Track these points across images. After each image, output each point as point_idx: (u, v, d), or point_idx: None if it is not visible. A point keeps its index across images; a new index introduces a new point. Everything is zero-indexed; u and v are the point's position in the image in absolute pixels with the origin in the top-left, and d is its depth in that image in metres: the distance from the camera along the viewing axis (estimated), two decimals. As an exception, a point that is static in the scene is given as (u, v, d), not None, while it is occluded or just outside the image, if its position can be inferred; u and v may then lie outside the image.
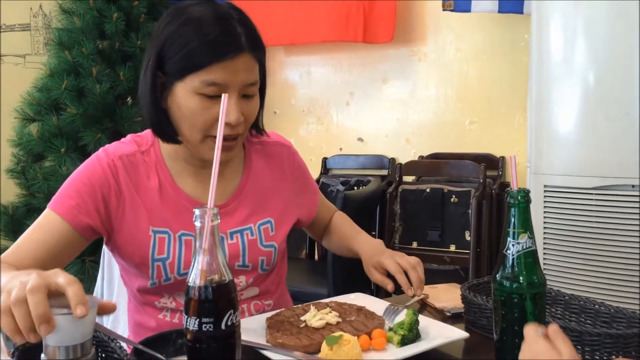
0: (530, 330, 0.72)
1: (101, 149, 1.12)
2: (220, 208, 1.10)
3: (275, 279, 1.22)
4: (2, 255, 1.01)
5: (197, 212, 0.72)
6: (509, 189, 0.80)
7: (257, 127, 1.15)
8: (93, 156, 1.11)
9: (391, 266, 1.16)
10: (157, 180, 1.10)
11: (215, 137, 0.98)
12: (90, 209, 1.05)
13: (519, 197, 0.78)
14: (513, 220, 0.79)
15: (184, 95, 1.01)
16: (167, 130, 1.06)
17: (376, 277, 1.19)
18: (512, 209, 0.79)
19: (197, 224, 0.72)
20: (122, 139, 1.16)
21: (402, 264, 1.16)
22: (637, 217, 1.79)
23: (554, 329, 0.71)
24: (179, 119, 1.04)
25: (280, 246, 1.18)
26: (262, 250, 1.15)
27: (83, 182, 1.07)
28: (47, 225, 1.04)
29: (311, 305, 1.08)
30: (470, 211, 2.56)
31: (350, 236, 1.31)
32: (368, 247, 1.24)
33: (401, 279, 1.14)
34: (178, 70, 1.00)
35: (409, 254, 2.86)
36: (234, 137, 1.04)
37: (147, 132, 1.16)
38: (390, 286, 1.15)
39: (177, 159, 1.12)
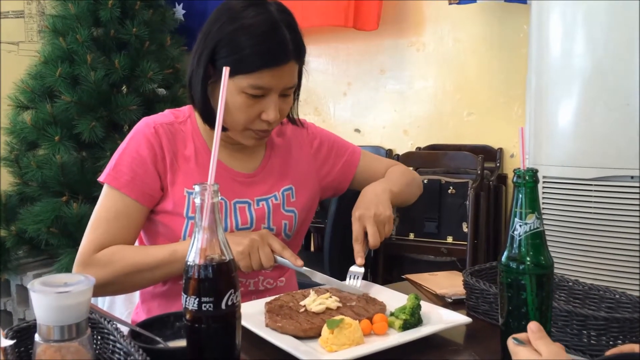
0: (510, 344, 0.72)
1: (142, 121, 1.21)
2: (250, 177, 1.23)
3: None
4: (94, 244, 1.12)
5: (196, 188, 0.71)
6: (516, 168, 0.78)
7: (291, 117, 1.26)
8: (135, 129, 1.19)
9: (354, 231, 1.16)
10: (193, 147, 1.20)
11: (254, 130, 1.14)
12: (145, 180, 1.15)
13: (527, 176, 0.77)
14: (520, 200, 0.77)
15: (230, 92, 1.10)
16: (213, 118, 1.15)
17: (353, 234, 1.17)
18: (520, 189, 0.77)
19: (197, 201, 0.71)
20: (161, 113, 1.25)
21: (367, 228, 1.14)
22: (636, 208, 1.78)
23: (532, 329, 0.71)
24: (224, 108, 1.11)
25: (301, 214, 1.26)
26: (284, 215, 1.24)
27: (132, 157, 1.15)
28: (120, 207, 1.13)
29: (311, 290, 1.06)
30: (467, 203, 2.54)
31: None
32: (363, 193, 1.23)
33: (356, 247, 1.14)
34: (231, 70, 1.06)
35: (406, 246, 2.84)
36: (269, 130, 1.15)
37: (185, 108, 1.26)
38: (359, 260, 1.14)
39: (212, 132, 1.19)
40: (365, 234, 1.15)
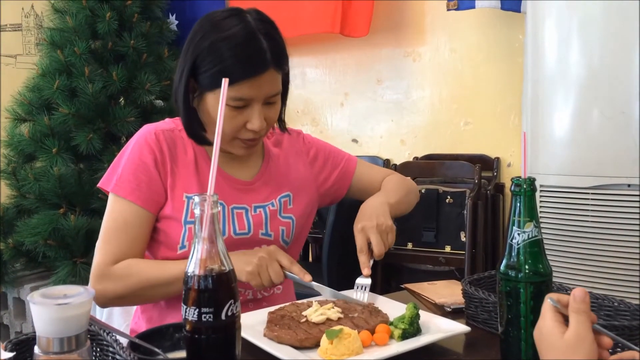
0: (546, 302, 0.68)
1: (143, 128, 1.22)
2: (248, 185, 1.24)
3: None
4: (109, 256, 1.12)
5: (196, 199, 0.71)
6: (514, 177, 0.78)
7: (280, 123, 1.26)
8: (137, 136, 1.21)
9: (358, 242, 1.16)
10: (192, 154, 1.21)
11: (242, 139, 1.15)
12: (150, 186, 1.16)
13: (525, 184, 0.77)
14: (518, 208, 0.77)
15: (213, 105, 1.12)
16: (198, 132, 1.18)
17: (357, 246, 1.17)
18: (518, 197, 0.77)
19: (197, 211, 0.71)
20: (162, 121, 1.26)
21: (371, 238, 1.14)
22: (633, 216, 1.79)
23: (575, 297, 0.65)
24: (208, 122, 1.17)
25: (299, 221, 1.27)
26: (281, 221, 1.25)
27: (136, 164, 1.16)
28: (130, 216, 1.14)
29: (314, 301, 1.06)
30: (465, 212, 2.54)
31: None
32: (363, 207, 1.23)
33: (361, 258, 1.14)
34: (209, 84, 1.11)
35: (404, 255, 2.84)
36: (257, 138, 1.16)
37: None
38: (365, 271, 1.13)
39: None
40: (369, 245, 1.15)
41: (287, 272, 1.08)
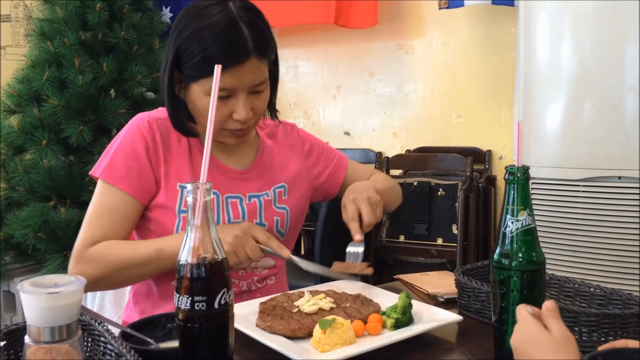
0: (522, 310, 0.71)
1: (137, 116, 1.20)
2: (242, 174, 1.23)
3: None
4: (87, 239, 1.11)
5: (189, 187, 0.70)
6: (508, 165, 0.78)
7: (271, 110, 1.25)
8: (130, 123, 1.19)
9: (349, 211, 1.16)
10: (186, 142, 1.19)
11: (229, 130, 1.14)
12: (140, 175, 1.14)
13: (519, 173, 0.77)
14: (512, 197, 0.77)
15: (198, 95, 1.10)
16: (183, 123, 1.16)
17: (345, 217, 1.18)
18: (512, 186, 0.77)
19: (189, 199, 0.70)
20: (156, 109, 1.24)
21: (361, 208, 1.15)
22: (624, 208, 1.80)
23: (548, 307, 0.69)
24: (195, 112, 1.16)
25: (293, 212, 1.26)
26: (276, 211, 1.24)
27: (127, 151, 1.15)
28: (115, 202, 1.13)
29: (305, 291, 1.06)
30: (457, 204, 2.55)
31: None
32: (351, 186, 1.24)
33: (352, 225, 1.14)
34: (192, 74, 1.10)
35: (396, 248, 2.84)
36: (245, 128, 1.14)
37: None
38: (357, 237, 1.14)
39: (204, 128, 1.19)
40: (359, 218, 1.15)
41: (265, 248, 1.07)
